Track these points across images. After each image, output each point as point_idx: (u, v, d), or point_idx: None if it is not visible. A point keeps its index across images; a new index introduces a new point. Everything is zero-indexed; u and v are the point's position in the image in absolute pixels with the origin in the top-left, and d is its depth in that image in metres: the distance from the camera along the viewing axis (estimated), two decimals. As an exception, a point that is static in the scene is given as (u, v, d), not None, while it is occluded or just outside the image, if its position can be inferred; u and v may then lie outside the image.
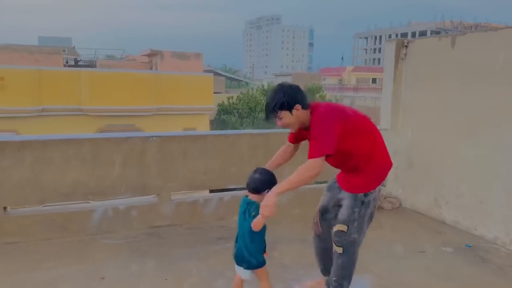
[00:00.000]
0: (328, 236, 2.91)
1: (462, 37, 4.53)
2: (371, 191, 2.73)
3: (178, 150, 4.32)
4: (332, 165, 2.80)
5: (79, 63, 26.31)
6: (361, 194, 2.71)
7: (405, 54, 5.19)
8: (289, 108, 2.57)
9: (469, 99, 4.42)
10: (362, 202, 2.71)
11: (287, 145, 3.01)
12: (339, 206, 2.84)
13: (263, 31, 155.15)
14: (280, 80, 45.90)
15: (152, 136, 4.17)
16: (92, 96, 16.51)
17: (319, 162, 2.50)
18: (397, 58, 5.23)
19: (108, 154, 4.04)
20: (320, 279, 3.14)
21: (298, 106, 2.58)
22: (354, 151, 2.67)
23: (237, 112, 24.41)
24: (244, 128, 23.53)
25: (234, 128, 23.68)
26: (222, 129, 24.06)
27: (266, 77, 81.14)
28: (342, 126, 2.58)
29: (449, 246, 4.14)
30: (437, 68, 4.82)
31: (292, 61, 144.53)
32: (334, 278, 2.81)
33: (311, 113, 2.65)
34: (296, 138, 2.94)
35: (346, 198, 2.78)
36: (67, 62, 23.72)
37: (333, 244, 2.78)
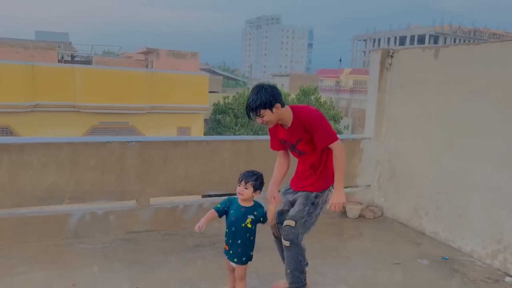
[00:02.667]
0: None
1: (445, 49, 4.53)
2: (322, 191, 3.09)
3: (158, 155, 4.31)
4: (301, 153, 3.11)
5: (75, 59, 26.27)
6: (313, 194, 3.05)
7: (390, 64, 5.20)
8: (270, 107, 2.82)
9: (451, 111, 4.43)
10: (312, 203, 3.05)
11: (279, 157, 3.31)
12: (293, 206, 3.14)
13: (263, 30, 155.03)
14: (277, 80, 45.53)
15: (131, 141, 4.16)
16: (86, 93, 16.45)
17: (339, 141, 2.96)
18: (382, 68, 5.23)
19: (87, 159, 4.03)
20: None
21: (278, 105, 2.84)
22: (321, 152, 3.05)
23: (232, 112, 24.39)
24: (238, 128, 23.53)
25: (229, 128, 23.68)
26: (216, 129, 24.06)
27: (264, 76, 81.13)
28: None
29: (426, 258, 4.15)
30: (420, 79, 4.82)
31: (291, 61, 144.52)
32: (288, 271, 3.09)
33: (294, 111, 2.95)
34: (278, 144, 3.22)
35: (299, 198, 3.10)
36: (62, 57, 23.67)
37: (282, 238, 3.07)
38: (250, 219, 2.92)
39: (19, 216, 3.94)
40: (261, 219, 3.01)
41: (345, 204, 2.98)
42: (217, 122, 24.41)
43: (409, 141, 5.00)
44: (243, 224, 2.92)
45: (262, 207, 3.01)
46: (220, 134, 22.79)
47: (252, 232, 2.97)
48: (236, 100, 24.95)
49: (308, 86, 26.13)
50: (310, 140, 2.96)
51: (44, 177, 3.89)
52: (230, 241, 2.96)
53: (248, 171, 2.98)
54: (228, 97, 25.04)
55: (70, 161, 3.98)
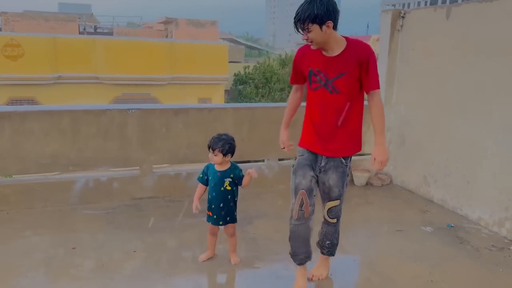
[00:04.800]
0: (311, 221, 2.78)
1: (457, 8, 4.26)
2: (350, 156, 2.74)
3: (159, 123, 4.31)
4: (334, 91, 2.56)
5: (97, 31, 26.42)
6: (344, 163, 2.71)
7: (402, 26, 4.95)
8: (321, 23, 2.39)
9: (462, 75, 4.21)
10: (348, 174, 2.79)
11: (293, 92, 2.95)
12: (323, 183, 2.76)
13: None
14: (300, 49, 44.84)
15: (131, 109, 4.17)
16: (108, 64, 16.58)
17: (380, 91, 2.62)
18: (393, 30, 4.99)
19: (88, 126, 4.08)
20: (320, 263, 3.08)
21: (330, 23, 2.40)
22: (357, 98, 2.62)
23: (253, 82, 24.12)
24: (259, 99, 23.33)
25: (250, 99, 23.52)
26: (237, 99, 23.94)
27: (288, 45, 79.62)
28: None
29: (431, 225, 4.06)
30: (432, 40, 4.58)
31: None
32: (329, 242, 2.96)
33: (349, 40, 2.54)
34: (299, 78, 2.80)
35: (332, 170, 2.71)
36: (84, 29, 23.82)
37: (326, 217, 2.89)
38: (228, 182, 2.95)
39: (24, 183, 4.06)
40: (236, 181, 2.99)
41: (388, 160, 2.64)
42: (238, 93, 24.25)
43: (419, 107, 4.81)
44: (222, 188, 2.94)
45: (238, 169, 3.01)
46: (242, 104, 22.67)
47: (233, 193, 3.01)
48: (256, 70, 24.61)
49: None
50: (357, 79, 2.52)
51: (47, 144, 3.97)
52: (213, 206, 3.00)
53: (215, 137, 2.95)
54: (248, 67, 24.72)
55: (71, 129, 4.03)
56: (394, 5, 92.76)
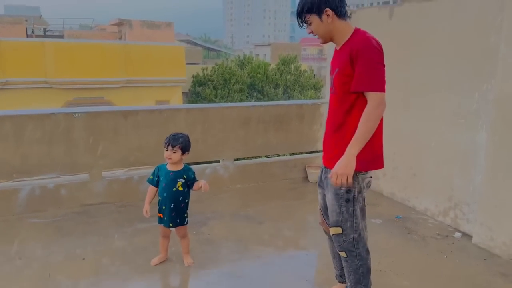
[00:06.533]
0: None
1: (399, 7, 4.44)
2: (360, 172, 2.26)
3: (107, 126, 4.21)
4: (333, 91, 2.35)
5: (47, 33, 25.40)
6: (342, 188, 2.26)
7: (348, 25, 5.09)
8: (319, 12, 2.18)
9: (405, 71, 4.38)
10: (347, 200, 2.29)
11: None
12: (325, 201, 2.51)
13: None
14: (259, 50, 44.46)
15: (77, 112, 4.04)
16: (59, 68, 15.99)
17: (383, 96, 2.17)
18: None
19: (32, 132, 3.91)
20: (338, 285, 2.81)
21: (329, 11, 2.17)
22: (354, 99, 2.23)
23: (212, 84, 24.02)
24: (218, 100, 23.26)
25: (209, 100, 23.39)
26: (196, 101, 23.75)
27: (247, 46, 79.88)
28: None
29: (380, 218, 4.20)
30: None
31: (274, 30, 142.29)
32: (348, 284, 2.48)
33: (354, 32, 2.26)
34: None
35: (328, 188, 2.37)
36: (33, 32, 22.83)
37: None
38: (181, 183, 2.92)
39: (-36, 193, 3.85)
40: (189, 183, 2.98)
41: (350, 179, 2.14)
42: (197, 95, 24.05)
43: (367, 104, 4.96)
44: (174, 188, 2.92)
45: (192, 171, 2.99)
46: (200, 106, 22.49)
47: (185, 195, 2.98)
48: (215, 71, 24.53)
49: (288, 55, 25.77)
50: (350, 76, 2.19)
51: (-13, 152, 3.78)
52: (164, 207, 2.96)
53: (172, 134, 2.97)
54: (206, 68, 24.59)
55: (14, 135, 3.86)
56: (348, 6, 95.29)
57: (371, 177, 2.40)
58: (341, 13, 2.22)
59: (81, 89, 16.52)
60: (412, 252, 3.52)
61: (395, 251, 3.51)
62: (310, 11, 2.21)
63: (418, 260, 3.39)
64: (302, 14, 2.25)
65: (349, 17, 2.29)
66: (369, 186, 2.42)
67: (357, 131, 2.15)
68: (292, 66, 25.17)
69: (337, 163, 2.17)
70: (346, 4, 2.27)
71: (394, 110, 4.53)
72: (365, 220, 2.46)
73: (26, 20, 20.60)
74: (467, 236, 3.77)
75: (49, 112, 3.96)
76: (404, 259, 3.38)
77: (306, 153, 5.69)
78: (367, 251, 2.45)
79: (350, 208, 2.32)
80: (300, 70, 25.46)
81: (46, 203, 4.09)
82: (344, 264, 2.46)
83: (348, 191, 2.29)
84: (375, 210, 4.40)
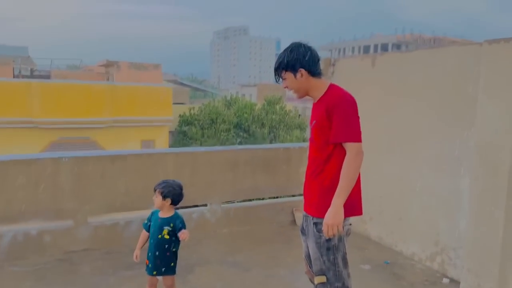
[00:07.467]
0: None
1: (381, 57, 4.64)
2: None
3: (94, 171, 4.18)
4: (311, 141, 2.49)
5: (34, 74, 25.46)
6: (315, 224, 2.36)
7: (333, 73, 5.27)
8: (293, 71, 2.34)
9: (388, 117, 4.52)
10: (328, 248, 2.34)
11: None
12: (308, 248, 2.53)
13: (231, 41, 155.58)
14: (246, 91, 45.13)
15: (65, 157, 4.02)
16: (44, 108, 16.00)
17: (360, 146, 2.30)
18: (325, 76, 5.29)
19: (16, 176, 3.86)
20: None
21: (302, 71, 2.33)
22: (332, 150, 2.35)
23: (199, 123, 24.20)
24: (205, 139, 23.36)
25: (196, 140, 23.48)
26: (183, 141, 23.80)
27: (233, 87, 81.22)
28: None
29: (368, 263, 4.19)
30: (360, 87, 4.87)
31: (260, 72, 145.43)
32: None
33: (329, 88, 2.38)
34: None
35: (309, 235, 2.43)
36: (20, 72, 22.88)
37: None
38: (167, 231, 2.89)
39: None
40: (176, 231, 2.91)
41: (340, 227, 2.22)
42: (183, 134, 24.13)
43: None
44: (159, 236, 2.89)
45: (180, 220, 2.95)
46: (187, 146, 22.51)
47: (171, 243, 2.92)
48: (202, 111, 24.80)
49: (273, 96, 26.29)
50: (327, 128, 2.32)
51: (-31, 198, 3.70)
52: (150, 254, 2.93)
53: (162, 180, 2.96)
54: (193, 108, 24.85)
55: (-2, 180, 3.80)
56: (330, 50, 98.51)
57: (350, 224, 2.47)
58: (314, 72, 2.38)
59: (66, 129, 16.48)
60: (401, 299, 3.50)
61: (384, 299, 3.48)
62: (285, 68, 2.37)
63: (407, 307, 3.36)
64: (278, 69, 2.41)
65: (323, 74, 2.44)
66: (349, 234, 2.49)
67: (340, 181, 2.26)
68: (278, 107, 25.62)
69: (326, 214, 2.24)
70: (319, 65, 2.41)
71: (379, 154, 4.65)
72: (348, 268, 2.46)
73: (14, 61, 20.70)
74: (455, 282, 3.77)
75: (35, 157, 3.94)
76: (394, 307, 3.35)
77: (294, 196, 5.70)
78: None
79: (331, 257, 2.36)
80: (285, 110, 25.92)
81: (28, 250, 3.98)
82: None
83: (328, 239, 2.33)
84: (363, 255, 4.38)
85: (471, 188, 3.54)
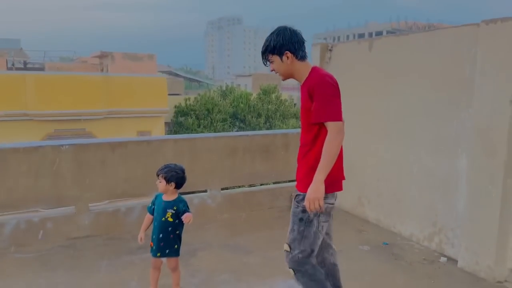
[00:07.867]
0: (322, 258, 2.77)
1: (378, 40, 4.66)
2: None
3: (95, 158, 4.20)
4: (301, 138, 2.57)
5: (27, 66, 25.26)
6: (300, 206, 2.43)
7: (330, 58, 5.29)
8: (279, 54, 2.44)
9: (385, 101, 4.56)
10: (301, 219, 2.44)
11: None
12: None
13: (225, 31, 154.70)
14: (241, 81, 45.03)
15: (65, 145, 4.03)
16: (39, 100, 15.90)
17: (341, 125, 2.36)
18: (322, 62, 5.32)
19: (17, 165, 3.87)
20: None
21: (288, 54, 2.43)
22: (317, 130, 2.43)
23: (195, 114, 24.17)
24: (201, 130, 23.34)
25: (192, 130, 23.45)
26: (179, 131, 23.75)
27: (228, 77, 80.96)
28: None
29: (367, 244, 4.25)
30: (357, 71, 4.94)
31: (254, 61, 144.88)
32: None
33: (311, 70, 2.47)
34: None
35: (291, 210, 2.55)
36: (13, 64, 22.70)
37: None
38: (170, 213, 2.93)
39: None
40: (179, 214, 2.96)
41: (321, 202, 2.29)
42: (179, 125, 24.09)
43: (349, 133, 5.07)
44: (163, 218, 2.93)
45: (183, 203, 2.99)
46: (183, 136, 22.46)
47: (174, 225, 2.96)
48: (197, 101, 24.73)
49: (268, 85, 26.26)
50: (310, 109, 2.41)
51: (-29, 186, 3.72)
52: (154, 236, 2.97)
53: (164, 165, 3.00)
54: (189, 98, 24.77)
55: (-1, 168, 3.81)
56: (325, 39, 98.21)
57: (332, 204, 2.50)
58: (300, 55, 2.46)
59: (62, 121, 16.41)
60: (400, 278, 3.57)
61: (384, 278, 3.55)
62: (272, 51, 2.46)
63: (407, 285, 3.44)
64: (265, 53, 2.50)
65: (306, 57, 2.52)
66: (330, 214, 2.57)
67: (321, 158, 2.34)
68: (273, 96, 25.60)
69: (308, 189, 2.33)
70: (304, 48, 2.50)
71: (376, 137, 4.70)
72: (317, 245, 2.51)
73: (7, 53, 20.50)
74: (452, 260, 3.85)
75: (36, 145, 3.95)
76: (393, 285, 3.42)
77: (292, 181, 5.75)
78: (317, 271, 2.54)
79: (301, 228, 2.46)
80: (281, 100, 25.90)
81: (31, 237, 4.01)
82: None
83: (304, 211, 2.43)
84: (362, 237, 4.45)
85: (469, 167, 3.60)
